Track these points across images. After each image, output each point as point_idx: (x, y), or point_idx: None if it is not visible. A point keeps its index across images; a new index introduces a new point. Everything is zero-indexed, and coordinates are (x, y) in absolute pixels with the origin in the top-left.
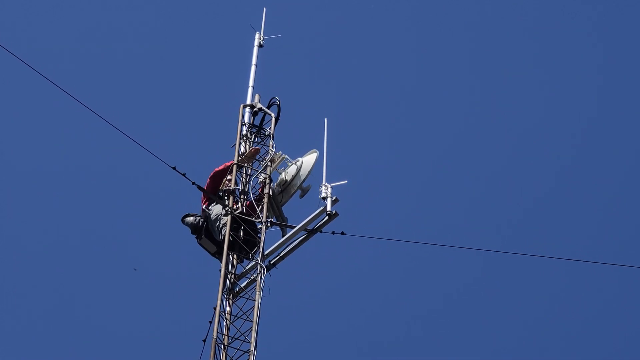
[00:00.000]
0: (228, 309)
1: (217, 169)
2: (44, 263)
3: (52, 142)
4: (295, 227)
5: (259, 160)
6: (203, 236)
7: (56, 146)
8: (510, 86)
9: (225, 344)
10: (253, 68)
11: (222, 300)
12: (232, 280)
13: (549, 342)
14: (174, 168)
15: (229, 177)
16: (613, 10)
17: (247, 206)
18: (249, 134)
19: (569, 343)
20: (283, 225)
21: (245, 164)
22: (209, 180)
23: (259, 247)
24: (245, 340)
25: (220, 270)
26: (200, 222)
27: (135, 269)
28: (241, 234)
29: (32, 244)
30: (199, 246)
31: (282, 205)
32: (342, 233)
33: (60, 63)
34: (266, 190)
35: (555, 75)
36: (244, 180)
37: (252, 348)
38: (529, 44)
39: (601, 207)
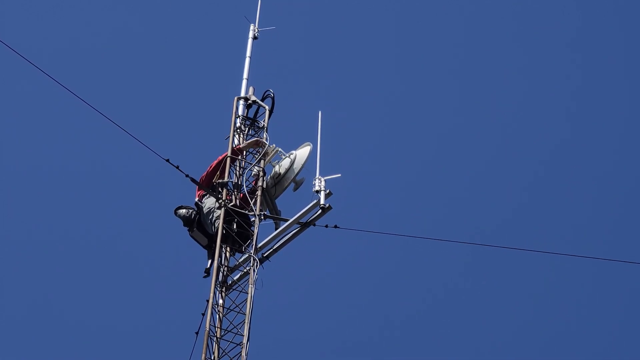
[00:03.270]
0: (221, 301)
1: (216, 161)
2: (36, 258)
3: (44, 135)
4: (288, 220)
5: (252, 153)
6: (195, 229)
7: (48, 139)
8: (501, 81)
9: (218, 336)
10: (247, 60)
11: (214, 293)
12: (225, 272)
13: (543, 339)
14: (168, 160)
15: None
16: (598, 8)
17: (241, 199)
18: (242, 127)
19: (559, 339)
20: (276, 218)
21: (239, 157)
22: (209, 169)
23: (252, 240)
24: (238, 332)
25: (210, 262)
26: (193, 215)
27: None
28: (234, 226)
29: (23, 239)
30: (192, 238)
31: (275, 198)
32: (335, 226)
33: (52, 56)
34: (260, 183)
35: (546, 70)
36: (237, 173)
37: (245, 341)
38: (520, 42)
39: (590, 201)
